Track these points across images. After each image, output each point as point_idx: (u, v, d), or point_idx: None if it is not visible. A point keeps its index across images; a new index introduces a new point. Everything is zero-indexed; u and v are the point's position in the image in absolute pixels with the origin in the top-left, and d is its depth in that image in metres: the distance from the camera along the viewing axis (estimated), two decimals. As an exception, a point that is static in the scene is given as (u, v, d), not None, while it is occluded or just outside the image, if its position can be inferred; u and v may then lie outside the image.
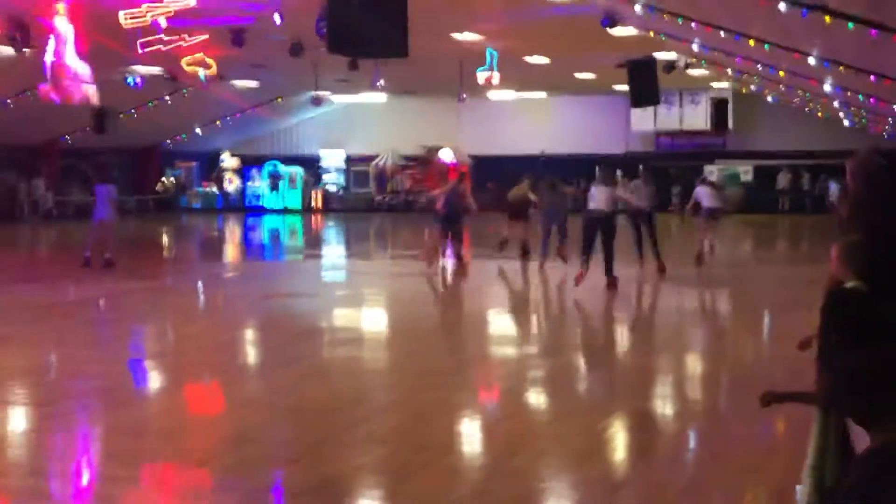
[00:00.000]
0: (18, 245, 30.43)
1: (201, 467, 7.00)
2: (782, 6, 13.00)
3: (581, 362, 11.58)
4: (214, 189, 46.10)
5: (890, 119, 29.06)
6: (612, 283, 16.96)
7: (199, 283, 19.42)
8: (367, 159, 45.25)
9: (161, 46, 20.95)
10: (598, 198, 17.17)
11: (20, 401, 9.24)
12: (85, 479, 6.92)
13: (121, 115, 31.91)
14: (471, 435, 8.16)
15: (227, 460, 7.16)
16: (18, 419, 8.62)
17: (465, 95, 32.82)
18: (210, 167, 46.65)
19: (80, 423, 8.41)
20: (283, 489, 6.58)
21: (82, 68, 19.59)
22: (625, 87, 25.99)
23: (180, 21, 20.10)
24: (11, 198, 38.55)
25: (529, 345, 12.51)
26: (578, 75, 34.80)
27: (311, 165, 46.05)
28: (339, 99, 42.59)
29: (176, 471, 7.03)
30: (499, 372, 10.73)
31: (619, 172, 21.55)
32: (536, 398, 9.56)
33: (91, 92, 19.84)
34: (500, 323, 14.68)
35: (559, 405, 9.05)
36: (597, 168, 18.18)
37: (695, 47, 22.59)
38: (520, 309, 16.13)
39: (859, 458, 3.12)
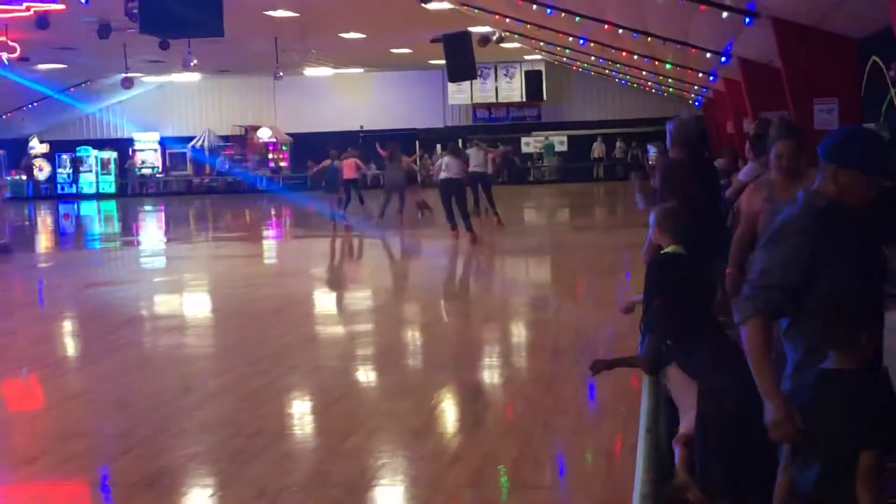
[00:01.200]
0: None
1: (29, 465, 6.77)
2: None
3: (410, 337, 11.65)
4: (23, 177, 44.36)
5: (696, 87, 30.10)
6: (473, 239, 19.52)
7: (13, 275, 18.72)
8: (184, 141, 44.32)
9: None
10: (451, 168, 20.15)
11: None
12: None
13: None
14: (304, 418, 8.14)
15: (56, 456, 6.94)
16: None
17: (280, 73, 32.47)
18: (18, 154, 44.85)
19: None
20: (116, 482, 6.43)
21: None
22: (441, 62, 26.19)
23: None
24: None
25: (359, 322, 12.50)
26: (395, 50, 34.85)
27: (125, 149, 44.78)
28: (152, 80, 41.55)
29: (4, 468, 6.79)
30: (329, 352, 10.71)
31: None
32: (368, 377, 9.59)
33: None
34: (330, 300, 14.65)
35: (390, 382, 9.09)
36: (448, 144, 22.80)
37: (508, 21, 22.90)
38: (353, 284, 16.08)
39: None
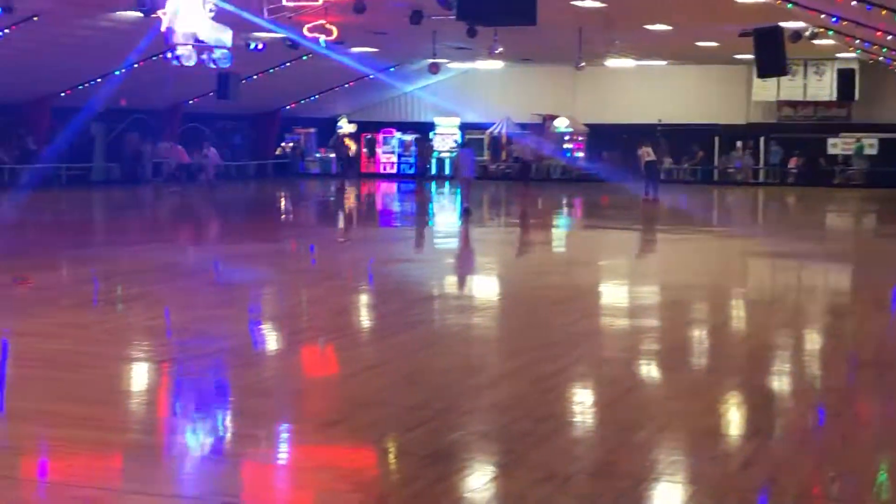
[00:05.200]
0: (144, 207, 31.24)
1: (331, 427, 7.09)
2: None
3: (699, 337, 11.41)
4: (331, 155, 46.44)
5: None
6: (655, 201, 30.16)
7: (317, 247, 19.66)
8: (482, 127, 45.09)
9: (286, 13, 21.18)
10: (650, 154, 31.27)
11: (151, 358, 9.48)
12: (217, 437, 7.06)
13: (242, 81, 32.36)
14: (593, 407, 8.11)
15: (355, 422, 7.26)
16: (149, 376, 8.86)
17: (582, 63, 32.48)
18: (328, 133, 46.99)
19: (209, 382, 8.58)
20: (409, 452, 6.62)
21: (214, 32, 19.94)
22: (747, 56, 25.51)
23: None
24: (136, 159, 39.38)
25: (648, 317, 12.33)
26: (700, 44, 34.17)
27: (426, 132, 46.03)
28: (456, 66, 42.53)
29: (307, 429, 7.14)
30: (617, 344, 10.64)
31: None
32: (656, 373, 9.46)
33: (219, 55, 20.24)
34: (619, 293, 14.54)
35: (679, 380, 8.94)
36: (643, 138, 32.81)
37: (823, 17, 22.02)
38: (643, 277, 15.88)
39: None
